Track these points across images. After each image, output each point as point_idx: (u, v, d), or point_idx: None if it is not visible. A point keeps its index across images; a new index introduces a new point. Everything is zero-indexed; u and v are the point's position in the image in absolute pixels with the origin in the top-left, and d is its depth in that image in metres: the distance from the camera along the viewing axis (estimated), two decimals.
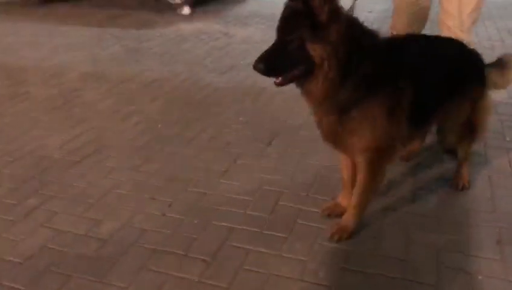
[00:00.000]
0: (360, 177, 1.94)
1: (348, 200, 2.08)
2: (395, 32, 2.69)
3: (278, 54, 1.65)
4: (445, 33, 2.50)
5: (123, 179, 2.53)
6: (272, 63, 1.65)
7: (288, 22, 1.65)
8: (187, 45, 5.14)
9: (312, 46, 1.61)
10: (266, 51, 1.67)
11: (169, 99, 3.62)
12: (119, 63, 4.54)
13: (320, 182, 2.43)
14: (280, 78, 1.69)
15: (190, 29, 5.80)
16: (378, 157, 1.89)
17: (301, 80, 1.71)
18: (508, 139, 2.85)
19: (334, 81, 1.67)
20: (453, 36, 2.36)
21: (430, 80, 1.93)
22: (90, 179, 2.53)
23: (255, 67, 1.64)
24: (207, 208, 2.26)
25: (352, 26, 1.68)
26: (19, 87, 3.92)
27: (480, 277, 1.79)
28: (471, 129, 2.23)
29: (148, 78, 4.09)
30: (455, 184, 2.35)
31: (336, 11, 1.60)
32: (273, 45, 1.67)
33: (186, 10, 6.71)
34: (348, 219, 2.02)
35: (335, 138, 1.87)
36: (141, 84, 3.94)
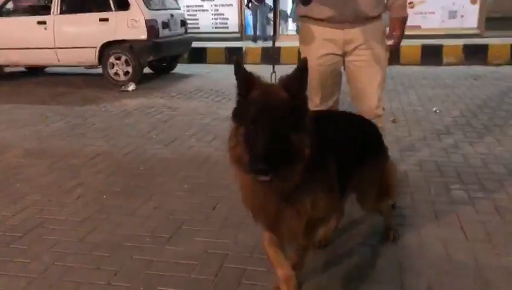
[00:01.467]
0: (299, 250, 2.00)
1: (286, 269, 1.94)
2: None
3: (276, 149, 1.48)
4: (360, 107, 2.70)
5: (67, 251, 2.51)
6: (274, 159, 1.48)
7: (280, 114, 1.52)
8: (131, 119, 5.26)
9: (296, 137, 1.53)
10: (263, 147, 1.46)
11: (114, 172, 3.67)
12: (62, 138, 4.57)
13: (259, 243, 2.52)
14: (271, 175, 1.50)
15: (135, 104, 5.96)
16: (315, 227, 1.93)
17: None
18: (432, 192, 3.10)
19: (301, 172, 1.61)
20: (368, 108, 2.62)
21: (344, 151, 2.00)
22: (32, 254, 2.49)
23: (255, 169, 1.47)
24: (153, 274, 2.28)
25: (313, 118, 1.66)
26: None
27: None
28: (384, 192, 2.37)
29: (91, 152, 4.13)
30: (386, 236, 2.53)
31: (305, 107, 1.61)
32: (266, 138, 1.48)
33: (131, 86, 6.92)
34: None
35: (278, 220, 1.77)
36: (85, 159, 3.97)
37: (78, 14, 7.29)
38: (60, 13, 7.26)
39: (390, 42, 2.73)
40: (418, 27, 10.49)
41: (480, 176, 3.34)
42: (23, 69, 8.59)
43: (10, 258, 2.46)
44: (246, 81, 1.61)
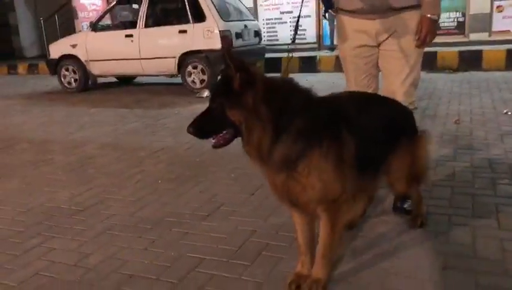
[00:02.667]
0: (323, 230, 1.97)
1: (307, 266, 2.06)
2: None
3: (206, 119, 1.84)
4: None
5: (117, 223, 2.83)
6: (201, 127, 1.85)
7: (215, 91, 1.88)
8: None
9: (230, 111, 1.76)
10: (197, 116, 1.86)
11: (172, 162, 4.00)
12: (135, 136, 5.04)
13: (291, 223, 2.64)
14: (213, 140, 1.86)
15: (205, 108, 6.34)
16: (335, 207, 1.93)
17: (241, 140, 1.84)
18: (476, 186, 3.02)
19: (261, 140, 1.77)
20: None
21: (370, 133, 2.06)
22: (88, 223, 2.85)
23: (187, 130, 1.84)
24: (185, 244, 2.51)
25: (274, 89, 1.81)
26: (43, 156, 4.42)
27: None
28: (414, 177, 2.38)
29: (157, 146, 4.52)
30: (414, 223, 2.52)
31: (250, 78, 1.75)
32: (205, 110, 1.86)
33: (205, 93, 7.34)
34: (318, 271, 2.00)
35: (289, 196, 1.91)
36: (150, 152, 4.36)
37: (160, 27, 7.93)
38: (145, 27, 7.95)
39: (417, 42, 2.56)
40: (508, 32, 9.91)
41: None
42: (114, 79, 9.46)
43: (70, 225, 2.84)
44: None
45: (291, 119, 1.80)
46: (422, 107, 5.49)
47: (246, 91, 1.74)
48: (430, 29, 2.52)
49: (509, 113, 4.91)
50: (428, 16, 2.52)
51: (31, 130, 5.66)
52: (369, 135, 2.05)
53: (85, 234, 2.72)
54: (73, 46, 8.46)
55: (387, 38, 2.64)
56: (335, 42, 11.11)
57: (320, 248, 2.00)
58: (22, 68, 12.71)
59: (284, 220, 2.65)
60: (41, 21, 12.81)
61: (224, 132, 1.84)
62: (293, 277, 2.06)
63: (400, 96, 2.59)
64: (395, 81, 2.65)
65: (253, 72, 1.78)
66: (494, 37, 9.86)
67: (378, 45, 2.69)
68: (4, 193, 3.49)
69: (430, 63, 8.63)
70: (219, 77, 1.91)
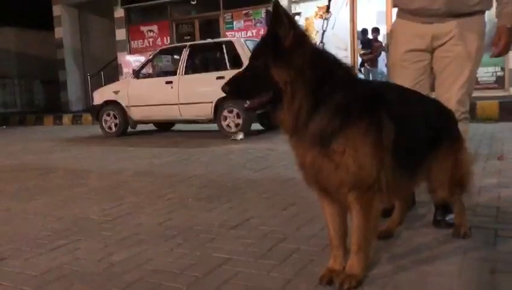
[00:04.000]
0: (355, 221, 1.84)
1: (339, 260, 1.93)
2: None
3: (246, 78, 1.72)
4: None
5: (144, 230, 2.77)
6: (239, 86, 1.73)
7: (257, 49, 1.77)
8: (233, 155, 5.64)
9: (275, 70, 1.66)
10: (234, 75, 1.74)
11: (204, 186, 3.96)
12: (169, 167, 5.06)
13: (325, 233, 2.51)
14: (247, 102, 1.75)
15: (239, 147, 6.38)
16: (368, 195, 1.80)
17: (273, 108, 1.73)
18: None
19: (301, 107, 1.68)
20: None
21: (411, 125, 1.97)
22: (116, 230, 2.80)
23: (222, 88, 1.73)
24: (212, 247, 2.41)
25: (320, 55, 1.74)
26: (78, 181, 4.47)
27: None
28: (457, 183, 2.26)
29: (190, 173, 4.51)
30: (457, 232, 2.35)
31: (301, 37, 1.68)
32: (243, 70, 1.77)
33: (240, 135, 7.40)
34: (353, 266, 1.86)
35: (319, 176, 1.79)
36: (183, 177, 4.35)
37: (198, 74, 8.20)
38: (185, 74, 8.23)
39: (494, 51, 2.51)
40: None
41: None
42: (153, 128, 9.70)
43: (98, 231, 2.80)
44: None
45: (333, 91, 1.72)
46: None
47: (296, 51, 1.67)
48: (509, 39, 2.46)
49: None
50: (508, 26, 2.44)
51: (69, 163, 5.79)
52: (410, 127, 1.97)
53: (112, 237, 2.67)
54: (116, 92, 8.81)
55: (444, 44, 2.53)
56: None
57: (354, 242, 1.87)
58: (66, 119, 13.27)
59: (317, 231, 2.53)
60: (88, 77, 13.57)
61: (261, 94, 1.72)
62: (324, 272, 1.92)
63: (453, 105, 2.47)
64: (451, 89, 2.53)
65: (305, 32, 1.72)
66: None
67: (433, 51, 2.58)
68: (37, 207, 3.51)
69: (469, 113, 8.47)
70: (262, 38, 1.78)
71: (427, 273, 1.95)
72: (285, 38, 1.66)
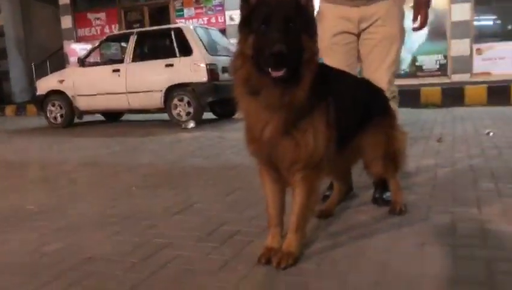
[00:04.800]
0: (298, 199, 1.87)
1: (277, 238, 1.96)
2: None
3: (288, 40, 1.59)
4: None
5: (82, 219, 2.69)
6: (287, 48, 1.57)
7: (289, 10, 1.66)
8: (183, 143, 5.57)
9: (306, 38, 1.67)
10: (280, 36, 1.58)
11: (150, 174, 3.89)
12: (115, 156, 4.94)
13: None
14: (284, 70, 1.60)
15: (189, 135, 6.31)
16: (314, 174, 1.86)
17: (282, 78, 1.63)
18: (457, 184, 2.94)
19: (309, 82, 1.69)
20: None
21: (345, 104, 2.01)
22: (51, 220, 2.70)
23: (279, 49, 1.54)
24: (153, 233, 2.37)
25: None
26: (17, 172, 4.30)
27: None
28: (391, 158, 2.34)
29: (136, 162, 4.42)
30: (393, 209, 2.42)
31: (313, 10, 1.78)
32: (279, 30, 1.60)
33: (191, 124, 7.32)
34: (290, 245, 1.89)
35: (275, 151, 1.80)
36: (128, 167, 4.25)
37: (146, 62, 8.03)
38: (132, 62, 8.03)
39: (415, 25, 2.67)
40: (488, 73, 10.16)
41: None
42: (101, 118, 9.44)
43: (34, 222, 2.69)
44: None
45: (312, 72, 1.73)
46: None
47: (313, 24, 1.75)
48: (427, 13, 2.63)
49: (491, 133, 4.90)
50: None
51: (8, 154, 5.54)
52: (346, 108, 2.01)
53: (47, 227, 2.56)
54: (61, 81, 8.49)
55: (369, 26, 2.61)
56: None
57: (294, 220, 1.90)
58: (9, 110, 12.70)
59: (259, 213, 2.53)
60: (33, 67, 13.00)
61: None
62: (263, 251, 1.93)
63: (384, 84, 2.57)
64: (380, 69, 2.62)
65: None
66: (474, 78, 10.08)
67: (359, 34, 2.66)
68: None
69: (413, 100, 8.76)
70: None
71: (363, 248, 2.00)
72: (309, 11, 1.73)
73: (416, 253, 1.92)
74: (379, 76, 2.61)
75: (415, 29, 2.69)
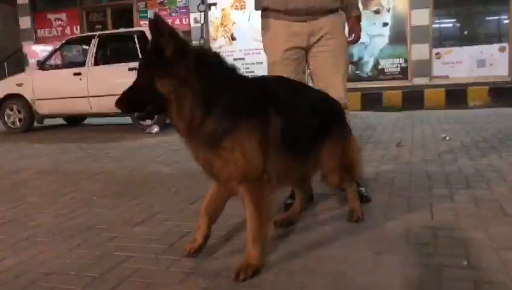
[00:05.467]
0: (248, 210, 1.92)
1: (203, 229, 2.10)
2: None
3: (134, 92, 1.82)
4: None
5: (42, 231, 2.64)
6: (129, 101, 1.83)
7: (142, 63, 1.85)
8: (145, 149, 5.52)
9: (159, 81, 1.74)
10: (124, 91, 1.84)
11: (111, 182, 3.84)
12: (76, 163, 4.85)
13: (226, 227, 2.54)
14: (137, 113, 1.90)
15: (154, 141, 6.25)
16: (258, 185, 1.90)
17: (166, 115, 1.84)
18: (413, 190, 3.05)
19: (191, 113, 1.76)
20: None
21: (298, 114, 2.07)
22: (10, 233, 2.64)
23: (115, 104, 1.84)
24: (113, 245, 2.36)
25: (205, 61, 1.82)
26: None
27: None
28: (346, 169, 2.40)
29: (97, 170, 4.36)
30: (351, 217, 2.48)
31: (182, 48, 1.76)
32: (131, 84, 1.85)
33: (155, 129, 7.25)
34: (250, 256, 1.91)
35: (212, 171, 1.92)
36: (89, 174, 4.19)
37: (109, 65, 7.90)
38: (94, 65, 7.89)
39: (351, 38, 2.87)
40: (446, 77, 10.50)
41: (469, 179, 3.25)
42: (62, 122, 9.23)
43: None
44: None
45: (221, 94, 1.80)
46: (366, 135, 5.63)
47: (178, 61, 1.74)
48: (360, 27, 2.84)
49: (447, 138, 5.09)
50: (356, 15, 2.80)
51: None
52: (298, 119, 2.07)
53: (5, 241, 2.51)
54: (19, 84, 8.24)
55: (319, 39, 2.72)
56: None
57: (250, 231, 1.93)
58: None
59: (221, 223, 2.55)
60: None
61: (149, 107, 1.84)
62: (191, 245, 2.12)
63: (341, 93, 2.69)
64: (334, 81, 2.71)
65: (186, 42, 1.80)
66: (434, 82, 10.41)
67: (308, 48, 2.75)
68: None
69: (375, 103, 8.99)
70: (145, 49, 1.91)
71: (321, 258, 2.06)
72: (166, 50, 1.73)
73: (372, 262, 1.98)
74: (336, 87, 2.69)
75: (350, 42, 2.87)
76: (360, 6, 2.97)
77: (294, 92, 2.18)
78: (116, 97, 1.85)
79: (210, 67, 1.83)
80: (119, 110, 1.88)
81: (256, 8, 2.92)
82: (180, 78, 1.74)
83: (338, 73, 2.74)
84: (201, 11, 2.77)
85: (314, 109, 2.21)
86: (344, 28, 2.81)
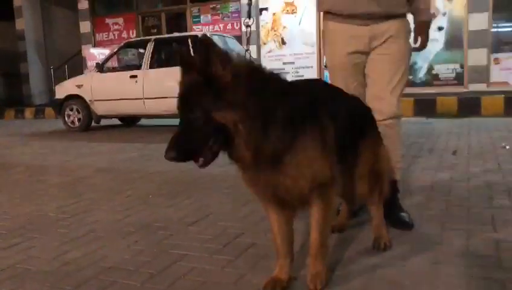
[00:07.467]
0: (316, 216, 1.83)
1: (285, 269, 1.91)
2: None
3: (186, 136, 1.56)
4: (378, 104, 2.58)
5: (101, 227, 2.76)
6: (184, 147, 1.55)
7: (187, 98, 1.58)
8: None
9: (219, 114, 1.52)
10: (174, 137, 1.56)
11: (166, 182, 3.95)
12: (131, 163, 5.02)
13: None
14: (200, 159, 1.59)
15: None
16: (329, 190, 1.83)
17: (228, 150, 1.62)
18: (472, 201, 2.94)
19: (257, 138, 1.58)
20: (387, 105, 2.56)
21: (342, 122, 1.97)
22: (72, 228, 2.77)
23: (166, 157, 1.55)
24: (169, 243, 2.42)
25: (255, 76, 1.63)
26: (37, 177, 4.39)
27: None
28: (376, 178, 2.25)
29: (151, 169, 4.49)
30: (377, 245, 2.25)
31: (237, 70, 1.56)
32: (179, 127, 1.59)
33: None
34: (317, 266, 1.86)
35: (275, 189, 1.76)
36: (143, 174, 4.32)
37: (163, 68, 8.12)
38: (150, 68, 8.14)
39: (416, 45, 2.72)
40: (505, 83, 10.06)
41: None
42: (118, 122, 9.56)
43: (54, 229, 2.77)
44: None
45: (275, 108, 1.63)
46: (420, 142, 5.47)
47: (235, 86, 1.53)
48: (428, 34, 2.69)
49: (507, 147, 4.87)
50: (425, 19, 2.66)
51: (29, 158, 5.66)
52: (343, 122, 1.99)
53: (68, 235, 2.64)
54: (79, 86, 8.64)
55: (382, 43, 2.61)
56: None
57: (317, 237, 1.85)
58: (28, 112, 12.93)
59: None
60: (52, 70, 13.23)
61: (210, 144, 1.57)
62: (268, 280, 1.88)
63: (394, 100, 2.59)
64: (386, 87, 2.61)
65: (239, 63, 1.61)
66: (492, 88, 9.99)
67: (369, 52, 2.66)
68: None
69: (429, 109, 8.72)
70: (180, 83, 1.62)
71: (376, 267, 2.02)
72: (223, 77, 1.53)
73: (430, 272, 1.93)
74: (389, 92, 2.60)
75: (415, 50, 2.71)
76: None
77: (335, 97, 2.12)
78: (165, 148, 1.57)
79: (263, 84, 1.65)
80: (175, 161, 1.59)
81: (318, 11, 2.86)
82: (240, 105, 1.53)
83: (393, 79, 2.61)
84: (247, 26, 2.57)
85: (353, 115, 2.14)
86: (409, 34, 2.67)
